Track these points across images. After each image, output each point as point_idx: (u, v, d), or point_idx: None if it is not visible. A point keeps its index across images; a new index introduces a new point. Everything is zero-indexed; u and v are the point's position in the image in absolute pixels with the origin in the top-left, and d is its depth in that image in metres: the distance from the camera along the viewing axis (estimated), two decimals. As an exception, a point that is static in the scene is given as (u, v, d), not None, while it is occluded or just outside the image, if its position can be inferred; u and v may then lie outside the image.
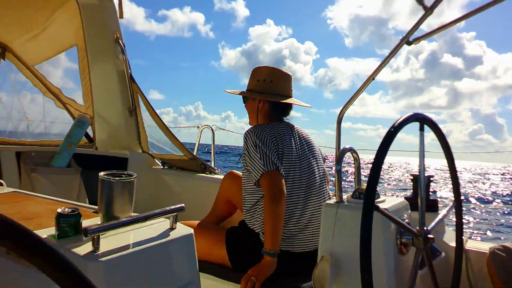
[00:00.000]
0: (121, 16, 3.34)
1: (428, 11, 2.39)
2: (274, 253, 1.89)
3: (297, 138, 2.19)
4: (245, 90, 2.29)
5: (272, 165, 1.97)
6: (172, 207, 1.12)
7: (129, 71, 3.37)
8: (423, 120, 1.48)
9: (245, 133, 2.12)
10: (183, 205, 1.13)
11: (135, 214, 1.14)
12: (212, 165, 3.43)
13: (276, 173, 1.97)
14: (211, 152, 3.92)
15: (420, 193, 1.51)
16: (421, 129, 1.48)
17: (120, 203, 1.12)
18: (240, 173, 2.41)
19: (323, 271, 1.55)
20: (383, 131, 1.33)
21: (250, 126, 2.22)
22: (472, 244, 2.24)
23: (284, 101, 2.22)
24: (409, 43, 2.57)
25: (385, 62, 2.73)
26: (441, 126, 1.59)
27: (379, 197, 1.71)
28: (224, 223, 2.47)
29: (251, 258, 1.97)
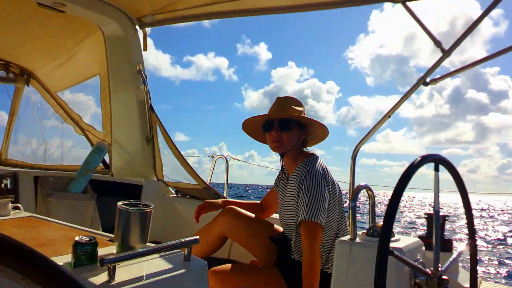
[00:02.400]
0: (145, 49, 3.43)
1: (446, 53, 2.42)
2: None
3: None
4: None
5: (322, 220, 2.02)
6: (188, 239, 1.13)
7: (149, 101, 3.44)
8: (438, 161, 1.48)
9: (308, 168, 2.11)
10: (198, 237, 1.14)
11: (151, 244, 1.15)
12: (225, 195, 3.44)
13: (320, 228, 2.04)
14: (224, 183, 3.94)
15: (436, 233, 1.50)
16: (436, 169, 1.48)
17: (136, 233, 1.13)
18: (240, 210, 2.44)
19: None
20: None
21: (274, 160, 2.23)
22: (486, 286, 2.19)
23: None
24: (426, 84, 2.59)
25: (401, 100, 2.75)
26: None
27: (393, 235, 1.70)
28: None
29: None
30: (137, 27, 3.38)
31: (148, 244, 1.17)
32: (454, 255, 1.62)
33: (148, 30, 3.41)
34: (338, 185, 2.26)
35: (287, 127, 2.19)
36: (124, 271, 1.03)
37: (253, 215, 2.47)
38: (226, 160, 4.24)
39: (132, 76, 3.38)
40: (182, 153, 3.35)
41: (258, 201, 2.55)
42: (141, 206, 1.17)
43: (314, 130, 2.30)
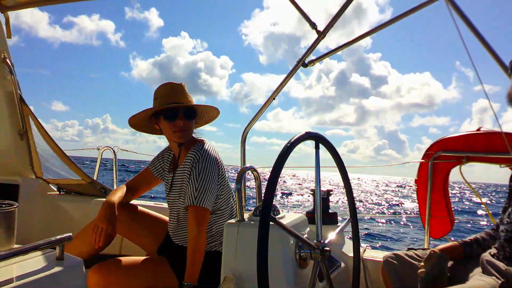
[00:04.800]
0: (9, 36, 3.14)
1: (321, 35, 2.55)
2: (197, 286, 1.90)
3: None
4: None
5: (209, 205, 2.00)
6: (58, 236, 1.04)
7: (18, 92, 3.14)
8: (318, 139, 1.56)
9: (201, 152, 2.07)
10: (70, 234, 1.06)
11: (18, 246, 1.05)
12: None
13: (208, 213, 2.01)
14: (113, 174, 3.77)
15: (317, 207, 1.57)
16: (317, 147, 1.56)
17: (-1, 235, 1.02)
18: (132, 205, 2.36)
19: None
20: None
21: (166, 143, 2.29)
22: (369, 254, 2.37)
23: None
24: (305, 65, 2.72)
25: (284, 82, 2.84)
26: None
27: (278, 213, 1.75)
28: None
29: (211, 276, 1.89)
30: (-3, 11, 3.07)
31: (15, 246, 1.07)
32: (337, 229, 1.72)
33: (11, 14, 3.10)
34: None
35: (192, 116, 2.17)
36: None
37: (146, 210, 2.42)
38: (114, 151, 4.05)
39: None
40: (65, 140, 3.13)
41: (123, 185, 2.36)
42: (3, 205, 1.06)
43: (204, 116, 2.33)
